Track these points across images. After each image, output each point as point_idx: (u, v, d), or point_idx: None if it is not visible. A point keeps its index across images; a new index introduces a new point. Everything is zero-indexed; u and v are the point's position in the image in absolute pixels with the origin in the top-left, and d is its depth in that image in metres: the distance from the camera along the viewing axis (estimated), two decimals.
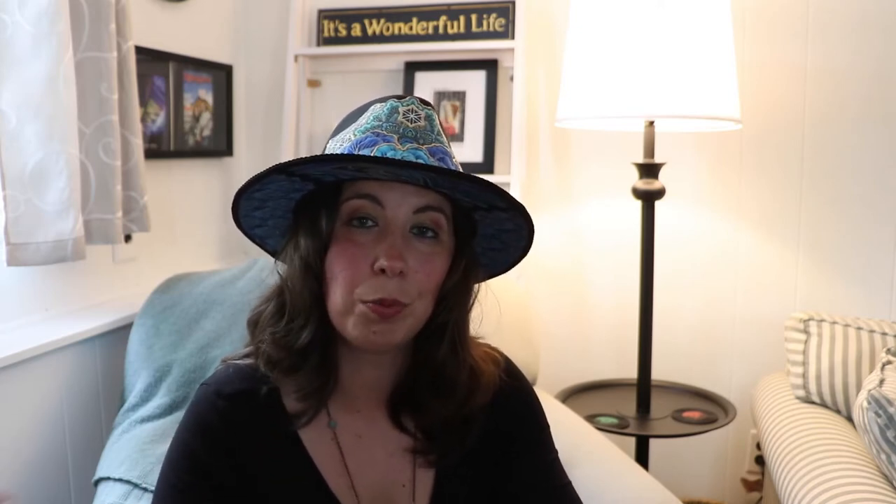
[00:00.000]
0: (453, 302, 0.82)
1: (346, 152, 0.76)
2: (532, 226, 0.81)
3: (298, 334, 0.79)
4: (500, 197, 0.77)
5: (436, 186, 0.77)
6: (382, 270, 0.74)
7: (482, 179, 0.74)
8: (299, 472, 0.81)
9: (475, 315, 0.86)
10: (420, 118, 0.78)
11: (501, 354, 0.92)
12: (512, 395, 0.89)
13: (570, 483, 0.89)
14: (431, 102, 0.82)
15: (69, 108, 1.42)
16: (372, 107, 0.80)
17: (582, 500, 0.89)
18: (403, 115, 0.77)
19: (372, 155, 0.73)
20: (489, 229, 0.85)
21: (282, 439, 0.81)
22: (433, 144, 0.77)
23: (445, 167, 0.73)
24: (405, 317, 0.77)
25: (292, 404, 0.81)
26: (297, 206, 0.82)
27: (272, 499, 0.80)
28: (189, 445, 0.80)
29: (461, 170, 0.78)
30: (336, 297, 0.77)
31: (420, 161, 0.74)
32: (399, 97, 0.79)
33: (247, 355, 0.85)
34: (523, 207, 0.78)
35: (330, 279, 0.77)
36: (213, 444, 0.79)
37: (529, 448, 0.89)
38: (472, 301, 0.85)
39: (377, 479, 0.83)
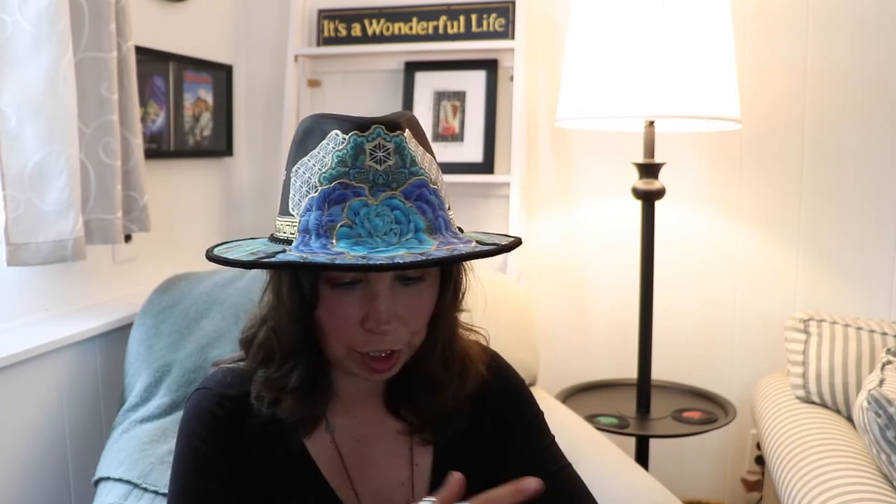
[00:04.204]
0: (445, 320, 0.83)
1: (315, 212, 0.71)
2: (514, 246, 0.77)
3: (289, 376, 0.80)
4: (485, 256, 0.73)
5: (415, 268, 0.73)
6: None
7: (464, 256, 0.70)
8: (302, 473, 0.83)
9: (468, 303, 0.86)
10: (389, 154, 0.71)
11: (486, 341, 0.92)
12: (502, 386, 0.91)
13: (567, 466, 0.90)
14: (400, 121, 0.74)
15: (69, 108, 1.41)
16: (332, 134, 0.72)
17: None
18: (370, 154, 0.70)
19: (345, 262, 0.66)
20: None
21: (284, 441, 0.82)
22: (407, 183, 0.71)
23: (421, 258, 0.67)
24: (401, 356, 0.79)
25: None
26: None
27: (277, 498, 0.82)
28: (199, 448, 0.80)
29: (440, 193, 0.75)
30: (331, 348, 0.78)
31: (395, 236, 0.70)
32: (361, 126, 0.71)
33: (240, 359, 0.86)
34: (513, 245, 0.75)
35: (322, 330, 0.77)
36: (223, 442, 0.80)
37: (523, 435, 0.90)
38: (460, 300, 0.84)
39: (376, 480, 0.85)
